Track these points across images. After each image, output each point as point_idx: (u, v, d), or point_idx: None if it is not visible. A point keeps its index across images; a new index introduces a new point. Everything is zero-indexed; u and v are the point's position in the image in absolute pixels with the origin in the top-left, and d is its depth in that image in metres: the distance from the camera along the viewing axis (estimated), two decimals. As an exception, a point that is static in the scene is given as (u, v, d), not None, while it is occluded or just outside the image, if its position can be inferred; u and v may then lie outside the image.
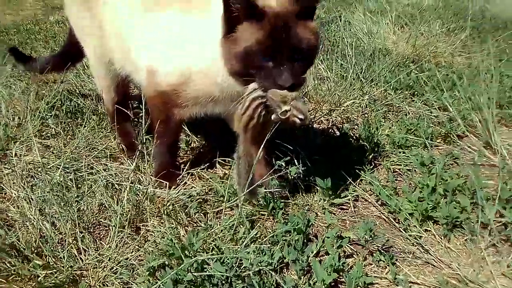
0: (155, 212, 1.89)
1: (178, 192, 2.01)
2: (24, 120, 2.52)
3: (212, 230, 1.74)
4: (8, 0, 7.59)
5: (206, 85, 1.89)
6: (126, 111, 2.30)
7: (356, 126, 2.75)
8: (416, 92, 3.26)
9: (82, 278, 1.57)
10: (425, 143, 2.46)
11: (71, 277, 1.57)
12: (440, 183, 2.04)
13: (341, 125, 2.73)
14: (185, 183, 2.12)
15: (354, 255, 1.74)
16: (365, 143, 2.40)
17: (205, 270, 1.49)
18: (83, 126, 2.46)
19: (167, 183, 2.02)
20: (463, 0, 7.00)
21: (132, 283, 1.56)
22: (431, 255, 1.73)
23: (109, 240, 1.73)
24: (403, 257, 1.75)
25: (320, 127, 2.77)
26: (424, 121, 2.71)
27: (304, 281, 1.56)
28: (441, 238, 1.81)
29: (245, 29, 1.64)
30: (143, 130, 2.10)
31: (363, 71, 3.35)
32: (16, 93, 2.88)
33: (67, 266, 1.58)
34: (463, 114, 2.78)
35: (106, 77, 2.34)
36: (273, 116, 1.69)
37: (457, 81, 3.14)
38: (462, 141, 2.64)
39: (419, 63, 3.84)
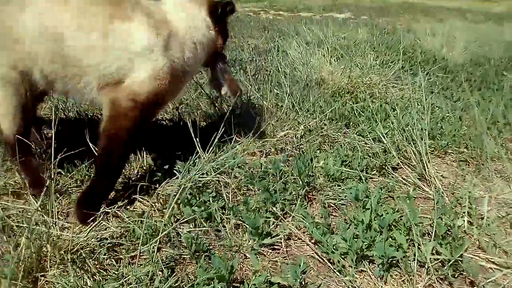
0: (58, 259, 1.63)
1: (88, 234, 1.76)
2: None
3: (124, 279, 1.51)
4: None
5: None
6: (35, 138, 2.05)
7: (290, 157, 2.62)
8: (351, 123, 3.21)
9: None
10: (359, 175, 2.38)
11: None
12: (375, 219, 1.93)
13: (274, 157, 2.61)
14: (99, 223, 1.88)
15: (284, 303, 1.57)
16: (299, 176, 2.26)
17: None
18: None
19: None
20: (395, 34, 7.30)
21: None
22: (367, 299, 1.59)
23: (-3, 297, 1.46)
24: (338, 303, 1.60)
25: (253, 158, 2.62)
26: (359, 152, 2.63)
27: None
28: (378, 280, 1.68)
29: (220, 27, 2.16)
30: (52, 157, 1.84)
31: (298, 101, 3.26)
32: None
33: None
34: (397, 145, 2.74)
35: (9, 99, 1.92)
36: None
37: (390, 112, 3.14)
38: (397, 172, 2.58)
39: (354, 94, 3.84)
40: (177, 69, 1.95)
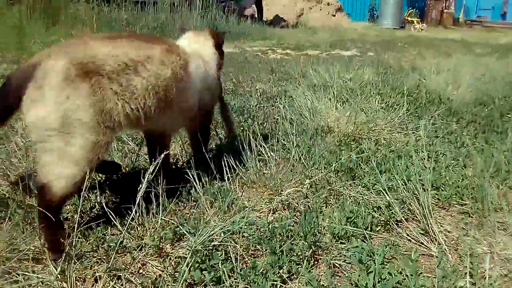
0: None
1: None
2: None
3: None
4: None
5: None
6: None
7: (297, 213, 2.71)
8: (356, 174, 3.30)
9: None
10: (364, 234, 2.45)
11: None
12: (379, 282, 2.00)
13: (281, 213, 2.70)
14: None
15: None
16: (304, 238, 2.35)
17: None
18: (5, 223, 2.28)
19: None
20: (400, 75, 7.43)
21: None
22: None
23: None
24: None
25: (261, 215, 2.72)
26: (363, 207, 2.71)
27: None
28: None
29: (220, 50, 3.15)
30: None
31: (304, 154, 3.36)
32: None
33: None
34: (401, 199, 2.82)
35: (90, 161, 2.08)
36: None
37: (391, 165, 3.23)
38: (401, 227, 2.65)
39: (360, 143, 3.94)
40: (212, 81, 3.00)
